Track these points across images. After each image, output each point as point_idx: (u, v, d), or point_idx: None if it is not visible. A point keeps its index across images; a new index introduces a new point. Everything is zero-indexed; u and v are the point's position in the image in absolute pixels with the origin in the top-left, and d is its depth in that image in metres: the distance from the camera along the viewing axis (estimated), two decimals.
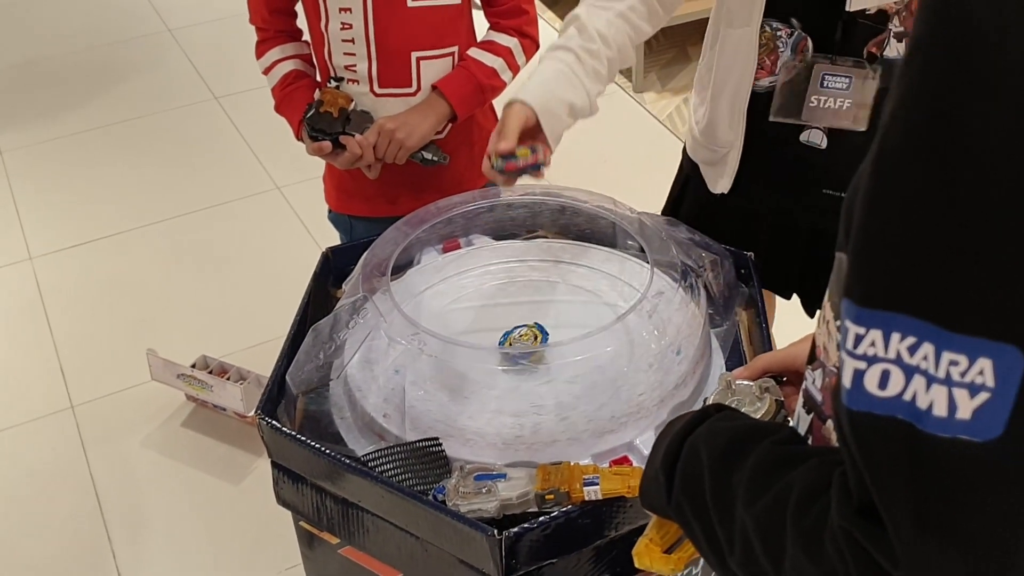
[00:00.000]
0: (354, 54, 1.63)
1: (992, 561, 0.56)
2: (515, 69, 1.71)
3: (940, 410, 0.55)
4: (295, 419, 1.28)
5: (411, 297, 1.40)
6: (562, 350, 1.23)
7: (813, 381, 0.80)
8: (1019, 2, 0.52)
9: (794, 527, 0.65)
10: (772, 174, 1.52)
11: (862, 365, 0.57)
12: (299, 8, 1.71)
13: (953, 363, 0.54)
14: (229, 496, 2.18)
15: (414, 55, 1.63)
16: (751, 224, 1.58)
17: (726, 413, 0.85)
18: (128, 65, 3.90)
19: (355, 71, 1.64)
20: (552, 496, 1.12)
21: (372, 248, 1.40)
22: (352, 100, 1.64)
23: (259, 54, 1.76)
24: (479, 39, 1.71)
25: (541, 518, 1.10)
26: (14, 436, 2.35)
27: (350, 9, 1.59)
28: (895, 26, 1.35)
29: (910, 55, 0.55)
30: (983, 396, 0.54)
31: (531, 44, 1.72)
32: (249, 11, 1.75)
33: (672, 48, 3.78)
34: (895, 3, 1.33)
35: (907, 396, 0.56)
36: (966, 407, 0.54)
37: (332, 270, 1.53)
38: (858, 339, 0.57)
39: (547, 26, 3.69)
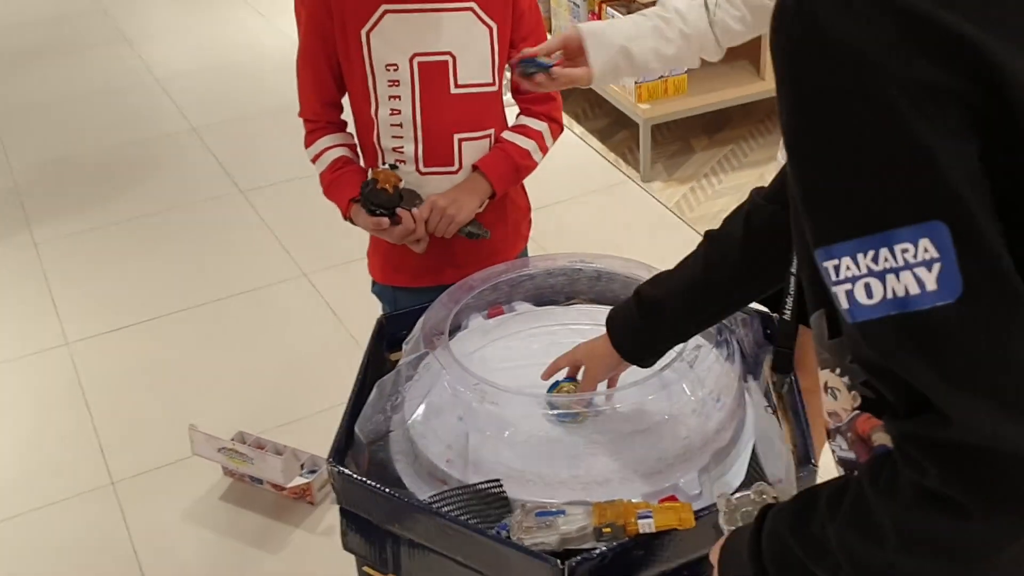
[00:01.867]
0: (402, 137, 1.77)
1: (1014, 387, 0.70)
2: (545, 150, 1.86)
3: (915, 288, 0.71)
4: (362, 467, 1.37)
5: (463, 357, 1.50)
6: (613, 399, 1.33)
7: (840, 447, 0.92)
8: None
9: (875, 496, 0.79)
10: None
11: (848, 286, 0.74)
12: (345, 99, 1.86)
13: (904, 251, 0.71)
14: (269, 566, 2.24)
15: (456, 137, 1.78)
16: None
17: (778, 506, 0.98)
18: (154, 161, 4.07)
19: (402, 152, 1.78)
20: (609, 529, 1.21)
21: (428, 312, 1.51)
22: (402, 180, 1.77)
23: (308, 143, 1.90)
24: (511, 123, 1.86)
25: (600, 549, 1.19)
26: (55, 512, 2.42)
27: (399, 96, 1.74)
28: None
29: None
30: (937, 265, 0.70)
31: (558, 128, 1.88)
32: (300, 105, 1.89)
33: (677, 140, 3.96)
34: None
35: (889, 294, 0.72)
36: (930, 279, 0.70)
37: (385, 336, 1.63)
38: (836, 270, 0.75)
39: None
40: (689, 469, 1.31)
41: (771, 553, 0.92)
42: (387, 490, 1.30)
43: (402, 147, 1.78)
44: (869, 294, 0.73)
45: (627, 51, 1.53)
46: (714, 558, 1.06)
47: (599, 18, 3.71)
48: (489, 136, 1.81)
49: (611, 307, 1.64)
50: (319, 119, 1.88)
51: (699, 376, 1.36)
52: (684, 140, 3.95)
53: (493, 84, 1.78)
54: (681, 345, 1.40)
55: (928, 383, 0.72)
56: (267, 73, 4.74)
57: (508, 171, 1.83)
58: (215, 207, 3.72)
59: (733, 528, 1.11)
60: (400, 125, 1.77)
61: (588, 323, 1.61)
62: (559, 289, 1.67)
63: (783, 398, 1.50)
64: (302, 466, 2.37)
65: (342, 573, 2.15)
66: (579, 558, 1.18)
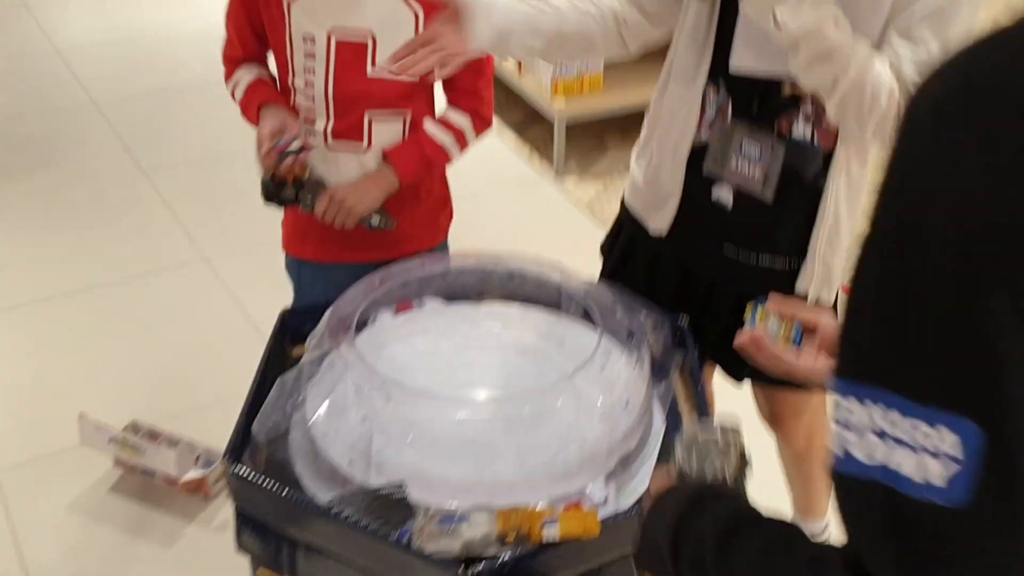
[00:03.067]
0: (314, 109, 1.76)
1: None
2: (465, 146, 1.83)
3: (913, 474, 0.63)
4: (259, 467, 1.32)
5: (369, 354, 1.46)
6: (520, 401, 1.31)
7: None
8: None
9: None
10: (690, 224, 1.63)
11: (845, 433, 0.66)
12: None
13: (916, 428, 0.63)
14: (160, 562, 2.16)
15: (367, 115, 1.75)
16: (663, 269, 1.69)
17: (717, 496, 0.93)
18: (51, 136, 3.90)
19: (313, 124, 1.77)
20: (513, 537, 1.19)
21: (334, 306, 1.47)
22: (307, 168, 1.73)
23: (227, 78, 1.85)
24: (437, 112, 1.82)
25: (503, 557, 1.16)
26: None
27: (314, 71, 1.73)
28: (806, 110, 1.49)
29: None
30: (955, 467, 0.62)
31: (483, 124, 1.84)
32: (224, 49, 1.84)
33: (591, 138, 3.96)
34: (806, 89, 1.46)
35: (883, 460, 0.64)
36: (940, 476, 0.62)
37: (288, 329, 1.58)
38: (839, 408, 0.67)
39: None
40: (596, 475, 1.30)
41: (686, 546, 0.88)
42: (285, 491, 1.25)
43: (313, 119, 1.77)
44: (862, 450, 0.65)
45: (505, 38, 1.50)
46: (654, 488, 1.00)
47: None
48: (404, 117, 1.78)
49: (524, 305, 1.62)
50: (240, 57, 1.84)
51: (608, 380, 1.35)
52: (598, 137, 3.95)
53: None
54: (592, 348, 1.39)
55: (882, 563, 0.66)
56: (175, 50, 4.59)
57: (418, 164, 1.80)
58: (114, 185, 3.58)
59: (685, 468, 1.05)
60: (312, 99, 1.75)
61: (499, 322, 1.59)
62: (470, 287, 1.64)
63: (689, 399, 1.50)
64: (197, 458, 2.29)
65: (236, 570, 2.09)
66: (481, 566, 1.15)
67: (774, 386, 1.74)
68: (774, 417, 1.88)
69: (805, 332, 1.19)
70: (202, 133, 3.91)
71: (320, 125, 1.76)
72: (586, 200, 3.58)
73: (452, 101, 1.82)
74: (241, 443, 1.32)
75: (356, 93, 1.73)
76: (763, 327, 1.18)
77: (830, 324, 1.17)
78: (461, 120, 1.80)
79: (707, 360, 1.74)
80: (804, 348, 1.18)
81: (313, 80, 1.73)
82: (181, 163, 3.71)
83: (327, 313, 1.46)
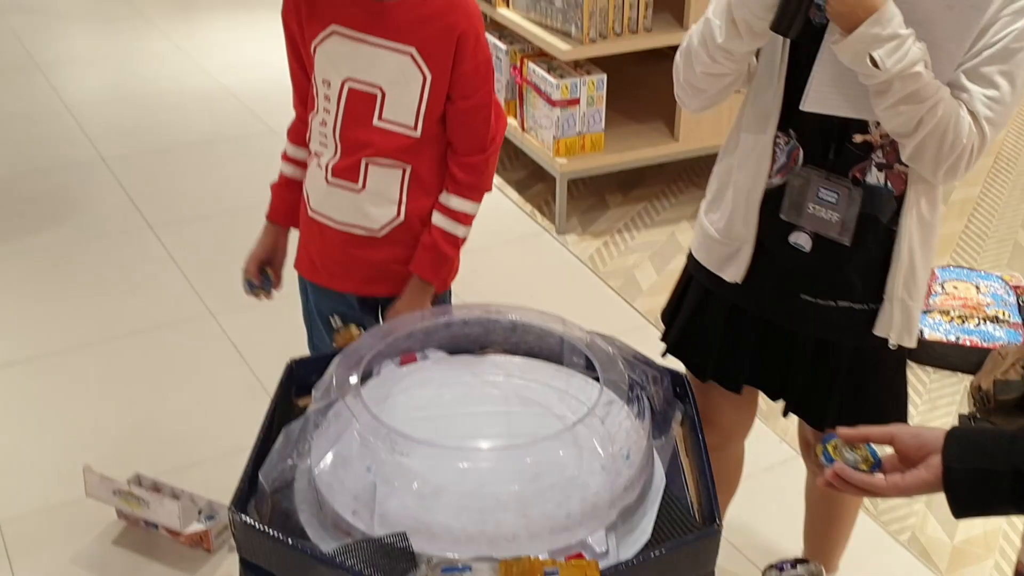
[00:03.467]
0: (325, 145, 1.87)
1: None
2: (471, 222, 1.92)
3: None
4: (265, 516, 1.33)
5: (373, 405, 1.48)
6: (523, 452, 1.32)
7: None
8: None
9: None
10: (766, 272, 1.71)
11: None
12: None
13: None
14: None
15: (365, 160, 1.83)
16: (740, 321, 1.76)
17: None
18: (61, 191, 3.96)
19: (321, 156, 1.88)
20: None
21: (339, 357, 1.49)
22: (360, 334, 1.78)
23: (288, 130, 2.02)
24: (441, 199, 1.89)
25: None
26: None
27: (329, 111, 1.83)
28: (878, 157, 1.56)
29: None
30: None
31: (483, 194, 1.92)
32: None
33: (592, 195, 4.01)
34: (880, 137, 1.55)
35: None
36: None
37: (295, 380, 1.60)
38: None
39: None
40: (597, 526, 1.31)
41: None
42: (290, 541, 1.26)
43: (322, 153, 1.87)
44: None
45: None
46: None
47: (521, 73, 3.76)
48: (403, 169, 1.84)
49: (526, 357, 1.64)
50: (297, 112, 1.98)
51: (609, 432, 1.36)
52: (599, 195, 4.01)
53: (415, 129, 1.80)
54: (593, 399, 1.41)
55: None
56: (183, 107, 4.67)
57: (443, 264, 1.91)
58: (122, 241, 3.62)
59: None
60: (324, 135, 1.85)
61: (502, 374, 1.61)
62: (474, 338, 1.67)
63: (690, 453, 1.52)
64: (200, 512, 2.30)
65: None
66: None
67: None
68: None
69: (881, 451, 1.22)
70: (209, 189, 3.97)
71: (325, 160, 1.86)
72: (587, 256, 3.62)
73: (455, 176, 1.87)
74: (247, 492, 1.34)
75: (360, 139, 1.82)
76: (840, 461, 1.20)
77: (904, 434, 1.17)
78: (464, 206, 1.88)
79: (789, 411, 1.83)
80: (887, 468, 1.19)
81: (327, 119, 1.83)
82: (188, 219, 3.76)
83: (333, 364, 1.48)
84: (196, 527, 2.26)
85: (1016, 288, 3.17)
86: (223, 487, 2.32)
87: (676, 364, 1.74)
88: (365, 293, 1.97)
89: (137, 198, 3.89)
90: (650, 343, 1.86)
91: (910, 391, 1.96)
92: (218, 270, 3.42)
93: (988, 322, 2.96)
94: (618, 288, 3.41)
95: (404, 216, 1.86)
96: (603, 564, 1.25)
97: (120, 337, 3.09)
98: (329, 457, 1.35)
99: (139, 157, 4.22)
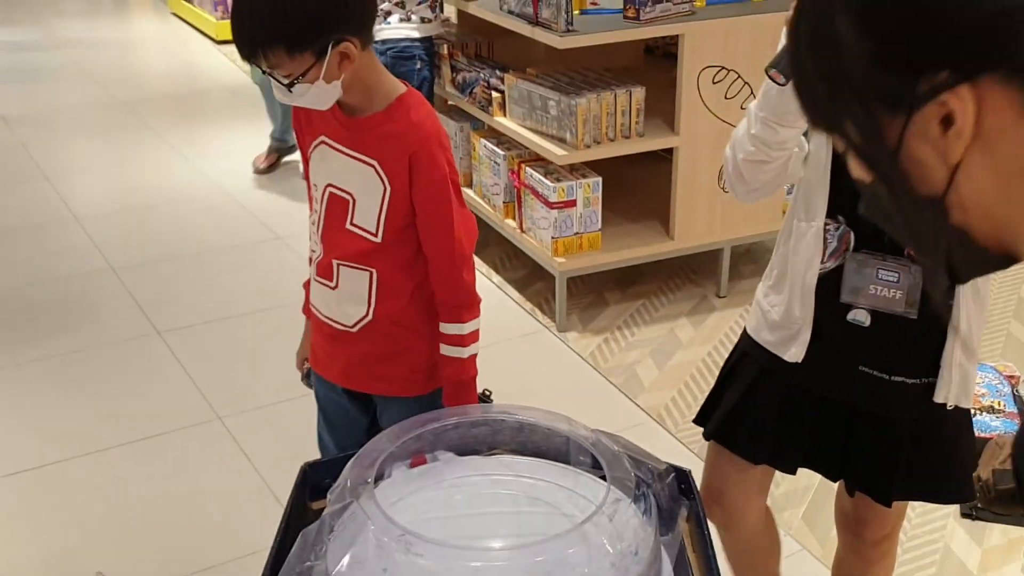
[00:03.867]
0: (314, 246, 2.02)
1: None
2: (473, 340, 2.01)
3: None
4: None
5: (387, 507, 1.52)
6: (534, 551, 1.36)
7: None
8: None
9: None
10: (823, 351, 1.80)
11: None
12: None
13: None
14: None
15: (335, 262, 1.97)
16: (797, 401, 1.85)
17: None
18: (70, 300, 4.04)
19: (314, 253, 2.02)
20: None
21: (353, 460, 1.54)
22: None
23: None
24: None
25: None
26: None
27: (316, 212, 1.99)
28: None
29: None
30: None
31: (473, 309, 2.00)
32: None
33: (591, 293, 4.09)
34: None
35: None
36: None
37: (309, 483, 1.65)
38: None
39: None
40: None
41: None
42: None
43: (314, 251, 2.03)
44: None
45: None
46: None
47: (518, 177, 3.87)
48: (369, 273, 1.96)
49: (533, 456, 1.69)
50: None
51: (618, 530, 1.40)
52: (598, 293, 4.09)
53: (376, 235, 1.93)
54: (600, 498, 1.45)
55: None
56: (189, 215, 4.78)
57: (466, 387, 2.02)
58: (131, 348, 3.69)
59: None
60: (313, 235, 2.02)
61: (510, 474, 1.65)
62: (481, 439, 1.71)
63: (696, 548, 1.56)
64: None
65: None
66: None
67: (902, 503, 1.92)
68: (859, 521, 1.99)
69: None
70: (214, 296, 4.05)
71: (314, 258, 2.02)
72: (588, 353, 3.68)
73: (442, 301, 1.98)
74: None
75: (334, 241, 1.97)
76: None
77: None
78: (461, 328, 1.98)
79: (855, 489, 1.91)
80: None
81: (315, 220, 2.00)
82: (195, 325, 3.83)
83: (347, 467, 1.53)
84: None
85: (1010, 378, 3.22)
86: None
87: (680, 460, 1.78)
88: (345, 385, 2.10)
89: (145, 305, 3.97)
90: (653, 439, 1.92)
91: None
92: (225, 373, 3.47)
93: (984, 413, 3.00)
94: (620, 384, 3.46)
95: (373, 316, 1.98)
96: None
97: (129, 443, 3.13)
98: (346, 560, 1.38)
99: (147, 265, 4.31)
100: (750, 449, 1.91)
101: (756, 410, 1.89)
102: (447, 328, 1.99)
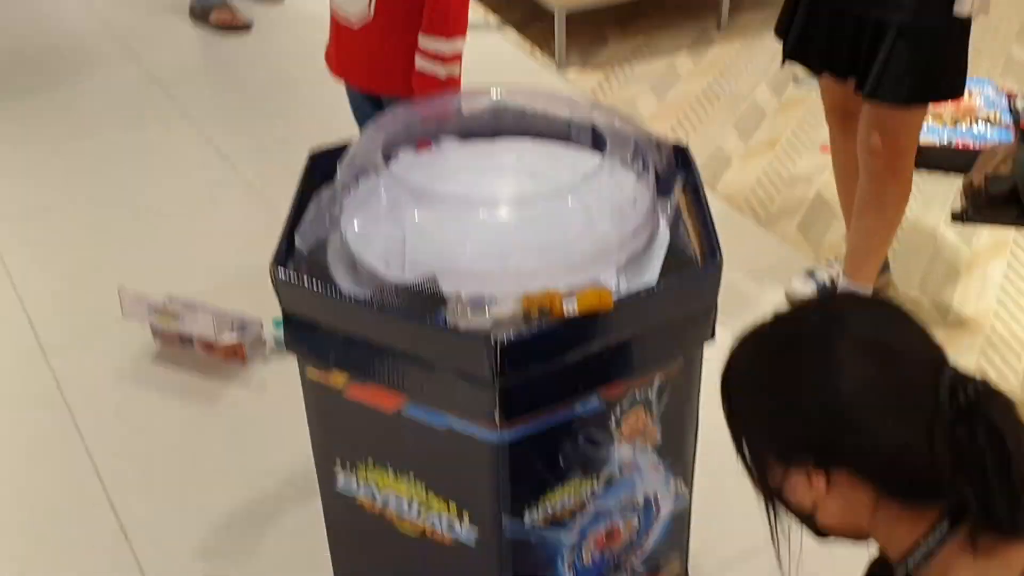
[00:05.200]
0: None
1: None
2: (451, 61, 2.06)
3: None
4: (302, 275, 1.45)
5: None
6: (538, 200, 1.43)
7: None
8: None
9: None
10: None
11: None
12: None
13: None
14: (204, 418, 2.32)
15: None
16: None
17: None
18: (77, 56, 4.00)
19: None
20: (537, 313, 1.32)
21: (362, 137, 1.59)
22: None
23: None
24: None
25: (530, 330, 1.30)
26: None
27: None
28: None
29: None
30: None
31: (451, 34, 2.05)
32: None
33: (591, 31, 4.04)
34: None
35: None
36: None
37: (317, 170, 1.69)
38: None
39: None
40: (608, 267, 1.42)
41: None
42: (330, 289, 1.38)
43: None
44: None
45: None
46: None
47: None
48: None
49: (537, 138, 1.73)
50: None
51: (617, 183, 1.47)
52: (598, 30, 4.04)
53: None
54: (599, 157, 1.51)
55: None
56: None
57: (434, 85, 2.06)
58: (131, 97, 3.68)
59: None
60: None
61: (513, 154, 1.70)
62: (485, 124, 1.75)
63: (693, 215, 1.62)
64: (232, 325, 2.43)
65: (277, 424, 2.25)
66: (510, 336, 1.29)
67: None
68: (847, 113, 2.34)
69: None
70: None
71: None
72: (588, 89, 3.67)
73: (426, 16, 2.02)
74: (286, 252, 1.45)
75: None
76: None
77: None
78: (434, 44, 2.03)
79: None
80: None
81: None
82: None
83: (354, 145, 1.58)
84: (230, 340, 2.39)
85: (1008, 94, 3.24)
86: (250, 306, 2.46)
87: (677, 137, 1.83)
88: (353, 83, 2.24)
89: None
90: None
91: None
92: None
93: (979, 123, 3.04)
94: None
95: (374, 13, 2.04)
96: (615, 296, 1.36)
97: (135, 176, 3.19)
98: (360, 217, 1.46)
99: None
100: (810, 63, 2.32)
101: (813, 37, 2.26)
102: (426, 42, 2.02)
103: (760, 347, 1.04)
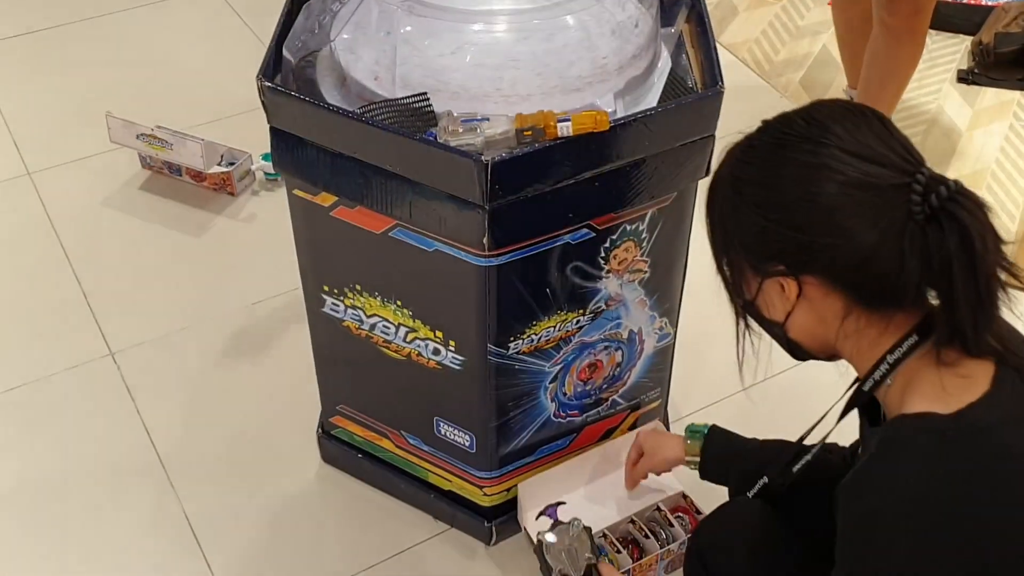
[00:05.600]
0: None
1: None
2: None
3: None
4: (291, 89, 1.41)
5: None
6: (535, 14, 1.37)
7: None
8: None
9: None
10: None
11: None
12: None
13: None
14: (191, 247, 2.30)
15: None
16: None
17: None
18: None
19: None
20: (530, 132, 1.29)
21: None
22: None
23: None
24: None
25: (522, 150, 1.27)
26: None
27: None
28: None
29: None
30: None
31: None
32: None
33: None
34: None
35: None
36: None
37: None
38: None
39: None
40: (606, 91, 1.38)
41: None
42: (317, 101, 1.34)
43: None
44: None
45: None
46: None
47: None
48: None
49: None
50: None
51: (619, 1, 1.41)
52: None
53: None
54: None
55: None
56: None
57: None
58: None
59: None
60: None
61: None
62: None
63: (696, 44, 1.57)
64: (221, 158, 2.39)
65: (266, 255, 2.24)
66: (502, 155, 1.26)
67: None
68: None
69: None
70: None
71: None
72: None
73: None
74: (274, 64, 1.40)
75: None
76: None
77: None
78: None
79: None
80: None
81: None
82: None
83: None
84: (219, 169, 2.36)
85: None
86: (240, 141, 2.42)
87: None
88: None
89: None
90: None
91: None
92: None
93: None
94: None
95: None
96: (612, 120, 1.32)
97: (125, 9, 3.10)
98: (349, 27, 1.40)
99: None
100: None
101: None
102: None
103: (746, 153, 1.05)
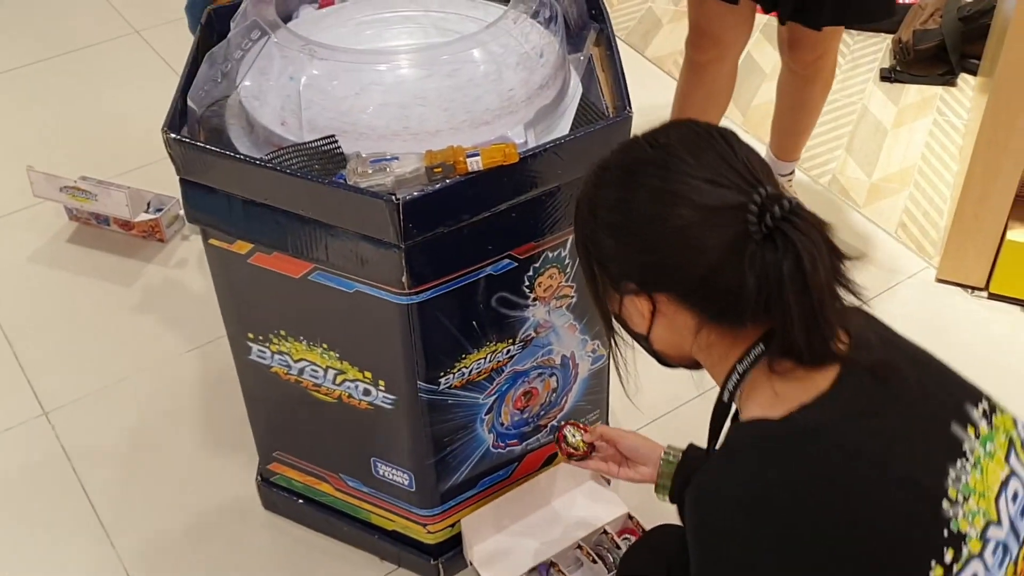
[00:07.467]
0: None
1: None
2: None
3: None
4: (197, 138, 1.39)
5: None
6: (439, 50, 1.37)
7: None
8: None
9: None
10: None
11: None
12: None
13: None
14: (122, 297, 2.26)
15: None
16: None
17: None
18: None
19: None
20: (439, 169, 1.28)
21: None
22: None
23: None
24: None
25: (432, 188, 1.26)
26: None
27: None
28: None
29: None
30: None
31: None
32: None
33: None
34: None
35: None
36: None
37: (215, 29, 1.62)
38: None
39: None
40: (515, 123, 1.38)
41: None
42: (225, 151, 1.33)
43: None
44: None
45: None
46: None
47: None
48: None
49: None
50: None
51: (523, 32, 1.41)
52: None
53: None
54: (504, 8, 1.45)
55: None
56: None
57: None
58: None
59: None
60: None
61: (420, 10, 1.63)
62: None
63: (606, 68, 1.58)
64: (148, 204, 2.36)
65: (197, 301, 2.21)
66: (413, 193, 1.25)
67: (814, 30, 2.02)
68: (792, 44, 2.12)
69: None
70: None
71: None
72: None
73: None
74: (179, 116, 1.38)
75: None
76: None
77: (626, 441, 1.44)
78: None
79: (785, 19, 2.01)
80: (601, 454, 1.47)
81: None
82: None
83: (247, 1, 1.50)
84: (146, 217, 2.33)
85: None
86: (170, 185, 2.38)
87: None
88: None
89: None
90: None
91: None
92: None
93: None
94: None
95: None
96: (522, 151, 1.32)
97: (46, 59, 3.05)
98: (253, 73, 1.39)
99: None
100: None
101: None
102: None
103: (600, 177, 1.07)
